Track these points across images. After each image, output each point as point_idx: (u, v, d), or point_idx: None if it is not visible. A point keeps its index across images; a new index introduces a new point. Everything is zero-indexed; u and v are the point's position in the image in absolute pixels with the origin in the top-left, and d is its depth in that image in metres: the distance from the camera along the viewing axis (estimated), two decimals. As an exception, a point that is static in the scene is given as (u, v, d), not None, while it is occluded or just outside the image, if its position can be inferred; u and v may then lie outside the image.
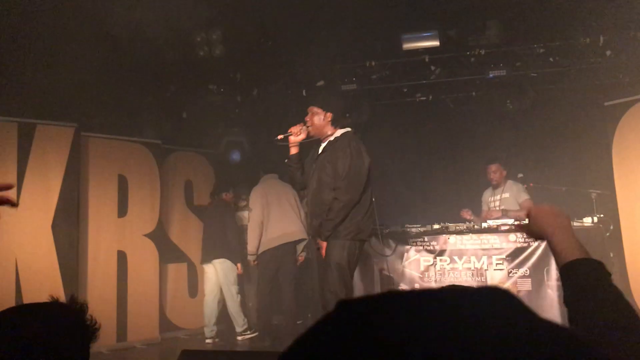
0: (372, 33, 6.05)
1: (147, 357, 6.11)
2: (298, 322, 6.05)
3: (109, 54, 5.62)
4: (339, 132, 4.34)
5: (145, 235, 6.69)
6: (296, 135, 4.31)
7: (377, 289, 5.72)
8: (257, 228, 6.03)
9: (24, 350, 1.25)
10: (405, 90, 7.07)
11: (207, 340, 6.35)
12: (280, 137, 4.34)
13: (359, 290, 5.78)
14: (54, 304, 1.41)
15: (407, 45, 6.15)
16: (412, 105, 7.19)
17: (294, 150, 4.39)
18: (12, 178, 5.65)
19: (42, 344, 1.27)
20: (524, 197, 5.98)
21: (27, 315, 1.34)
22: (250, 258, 6.18)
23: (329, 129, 4.35)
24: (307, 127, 4.34)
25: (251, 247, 6.11)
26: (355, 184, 4.16)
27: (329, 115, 4.32)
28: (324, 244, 4.16)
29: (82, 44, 5.29)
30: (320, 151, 4.38)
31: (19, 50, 5.37)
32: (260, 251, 6.06)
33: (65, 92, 5.74)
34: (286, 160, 4.46)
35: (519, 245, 5.50)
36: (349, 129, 4.39)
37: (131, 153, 6.70)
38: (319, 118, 4.32)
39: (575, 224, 5.49)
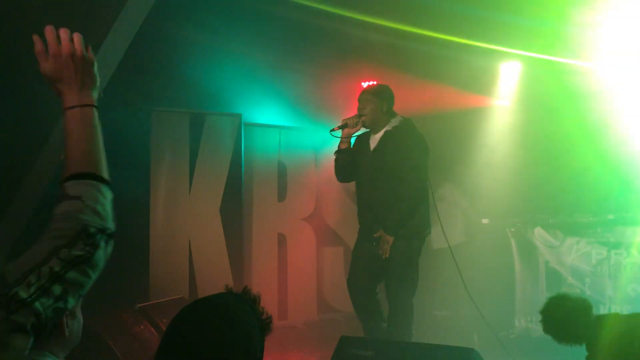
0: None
1: (307, 336, 6.32)
2: None
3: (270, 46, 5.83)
4: (397, 121, 4.18)
5: (303, 219, 6.91)
6: (352, 127, 4.21)
7: (543, 283, 5.38)
8: None
9: (221, 348, 1.27)
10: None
11: None
12: (335, 128, 4.27)
13: (522, 283, 5.49)
14: (231, 295, 1.40)
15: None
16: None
17: (345, 144, 4.31)
18: (185, 165, 6.12)
19: (239, 342, 1.30)
20: None
21: (220, 312, 1.33)
22: None
23: (384, 120, 4.21)
24: (362, 117, 4.19)
25: None
26: (423, 175, 4.10)
27: (385, 104, 4.19)
28: (391, 239, 4.06)
29: (245, 40, 5.55)
30: (376, 141, 4.23)
31: (189, 47, 5.76)
32: None
33: (231, 83, 6.07)
34: (335, 153, 4.37)
35: None
36: (404, 117, 4.23)
37: (289, 140, 6.93)
38: (374, 108, 4.18)
39: None
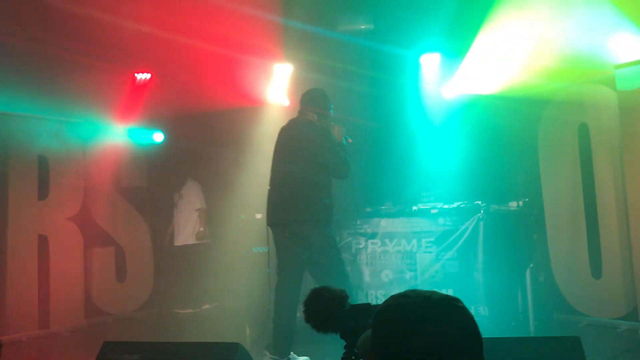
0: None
1: (73, 344, 5.90)
2: None
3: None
4: None
5: (68, 218, 6.41)
6: None
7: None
8: None
9: None
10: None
11: None
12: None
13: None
14: None
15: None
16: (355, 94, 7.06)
17: None
18: None
19: None
20: None
21: None
22: None
23: None
24: None
25: None
26: None
27: None
28: None
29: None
30: None
31: None
32: None
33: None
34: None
35: (447, 228, 5.65)
36: None
37: (53, 132, 6.36)
38: None
39: (502, 207, 5.69)
